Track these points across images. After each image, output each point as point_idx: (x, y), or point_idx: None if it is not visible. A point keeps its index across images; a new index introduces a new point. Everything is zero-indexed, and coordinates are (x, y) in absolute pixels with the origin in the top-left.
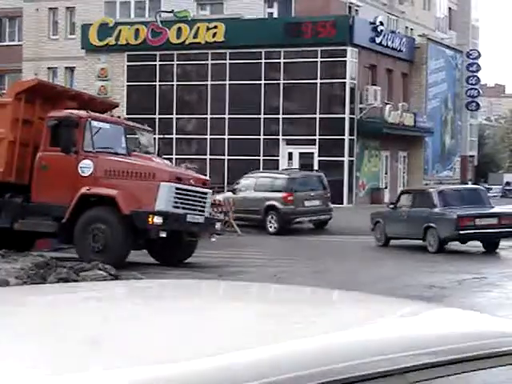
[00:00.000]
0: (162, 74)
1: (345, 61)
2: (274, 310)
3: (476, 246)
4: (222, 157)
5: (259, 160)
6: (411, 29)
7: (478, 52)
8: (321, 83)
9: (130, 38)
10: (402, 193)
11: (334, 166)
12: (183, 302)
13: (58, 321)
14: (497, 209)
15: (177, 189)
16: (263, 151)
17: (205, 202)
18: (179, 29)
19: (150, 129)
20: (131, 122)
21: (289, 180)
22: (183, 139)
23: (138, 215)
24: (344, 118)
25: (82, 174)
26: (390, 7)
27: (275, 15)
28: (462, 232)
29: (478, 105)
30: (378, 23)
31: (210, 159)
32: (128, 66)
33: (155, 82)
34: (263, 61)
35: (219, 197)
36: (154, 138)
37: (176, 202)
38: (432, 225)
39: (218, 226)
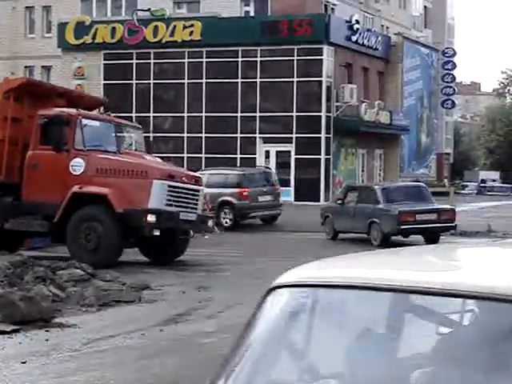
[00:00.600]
0: (139, 73)
1: (321, 59)
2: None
3: (418, 240)
4: (199, 155)
5: (236, 158)
6: (387, 27)
7: (454, 50)
8: (297, 81)
9: (106, 37)
10: (349, 189)
11: (311, 163)
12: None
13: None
14: (436, 205)
15: (169, 186)
16: (240, 149)
17: (197, 200)
18: (156, 27)
19: (139, 126)
20: (121, 120)
21: (242, 176)
22: (160, 137)
23: (131, 213)
24: (320, 117)
25: (74, 173)
26: (365, 6)
27: (252, 14)
28: (403, 227)
29: (453, 103)
30: (353, 22)
31: (187, 157)
32: (105, 64)
33: (132, 80)
34: (240, 59)
35: None
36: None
37: (169, 200)
38: (376, 220)
39: (210, 223)
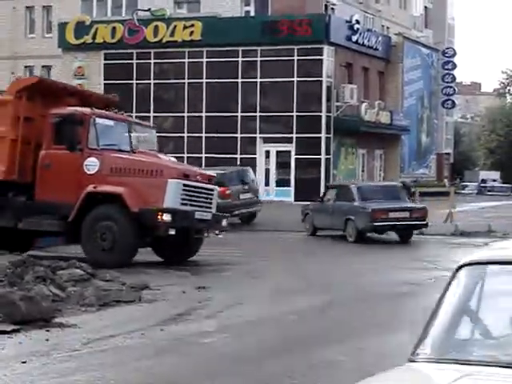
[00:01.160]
0: (139, 73)
1: (321, 59)
2: None
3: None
4: (200, 155)
5: (236, 158)
6: (387, 27)
7: (454, 50)
8: (297, 81)
9: (106, 37)
10: (328, 188)
11: (311, 163)
12: None
13: None
14: (409, 203)
15: (184, 185)
16: (240, 149)
17: (211, 199)
18: (156, 27)
19: (153, 125)
20: (135, 119)
21: (222, 175)
22: (160, 137)
23: (146, 213)
24: (321, 116)
25: (88, 172)
26: (366, 6)
27: (252, 14)
28: (376, 224)
29: (453, 103)
30: (354, 22)
31: (188, 157)
32: (105, 64)
33: (132, 80)
34: (240, 59)
35: None
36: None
37: (184, 199)
38: (351, 217)
39: (224, 222)
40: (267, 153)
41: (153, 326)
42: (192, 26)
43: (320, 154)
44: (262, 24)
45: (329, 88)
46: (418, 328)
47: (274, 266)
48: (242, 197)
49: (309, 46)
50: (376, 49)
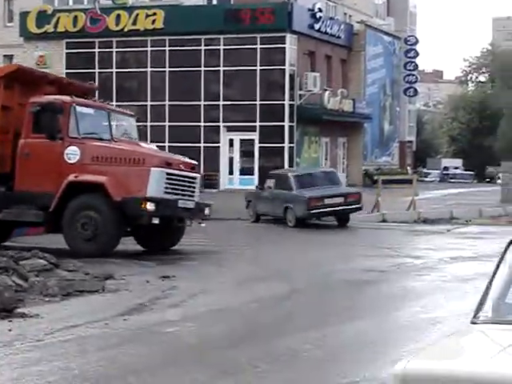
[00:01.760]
0: (101, 62)
1: (284, 47)
2: None
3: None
4: (163, 144)
5: (200, 147)
6: (350, 15)
7: (416, 38)
8: (260, 70)
9: (68, 26)
10: (268, 176)
11: (275, 152)
12: None
13: None
14: (344, 189)
15: (167, 174)
16: (204, 138)
17: (194, 187)
18: (118, 16)
19: (132, 113)
20: (115, 107)
21: None
22: None
23: (129, 202)
24: (284, 105)
25: (69, 161)
26: None
27: (214, 2)
28: (312, 211)
29: (416, 91)
30: (316, 10)
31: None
32: (67, 53)
33: (94, 69)
34: (203, 48)
35: None
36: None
37: (167, 188)
38: (290, 205)
39: (207, 210)
40: (231, 141)
41: (116, 316)
42: (154, 14)
43: (283, 143)
44: (225, 12)
45: (292, 76)
46: (381, 315)
47: (227, 254)
48: None
49: (271, 35)
50: (338, 37)
